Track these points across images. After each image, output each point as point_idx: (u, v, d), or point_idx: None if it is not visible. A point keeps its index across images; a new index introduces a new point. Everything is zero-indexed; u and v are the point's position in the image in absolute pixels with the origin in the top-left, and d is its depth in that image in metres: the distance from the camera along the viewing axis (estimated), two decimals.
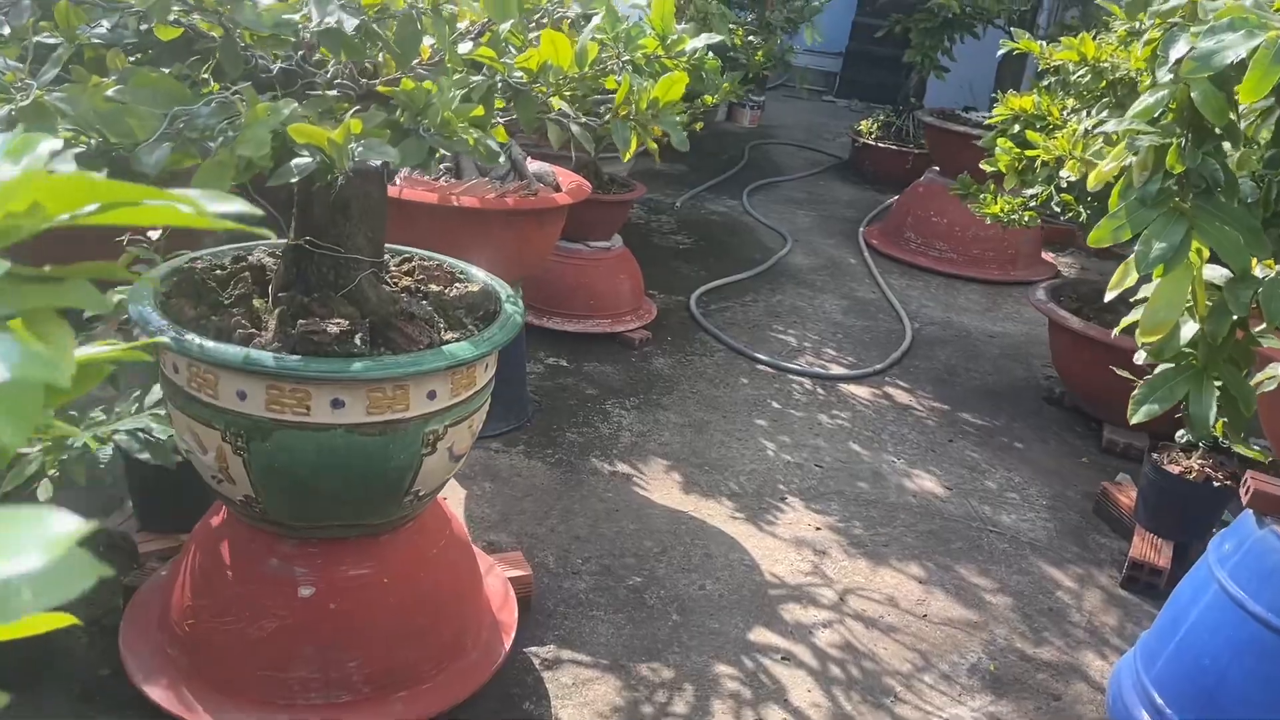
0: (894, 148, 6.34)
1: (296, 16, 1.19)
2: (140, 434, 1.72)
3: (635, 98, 1.52)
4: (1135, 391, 1.42)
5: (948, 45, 5.43)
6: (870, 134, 6.52)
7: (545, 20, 1.63)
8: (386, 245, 1.95)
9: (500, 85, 1.42)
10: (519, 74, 1.40)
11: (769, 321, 4.01)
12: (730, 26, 3.84)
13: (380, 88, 1.35)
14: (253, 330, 1.50)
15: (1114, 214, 1.37)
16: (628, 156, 1.52)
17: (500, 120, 1.63)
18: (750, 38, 4.09)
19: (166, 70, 1.44)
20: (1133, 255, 1.37)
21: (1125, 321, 1.47)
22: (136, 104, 1.14)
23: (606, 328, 3.53)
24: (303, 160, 1.15)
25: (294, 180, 1.15)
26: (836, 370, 3.60)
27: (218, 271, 1.68)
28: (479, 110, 1.32)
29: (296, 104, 1.14)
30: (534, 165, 2.87)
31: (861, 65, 8.79)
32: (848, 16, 8.59)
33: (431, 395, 1.56)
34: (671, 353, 3.58)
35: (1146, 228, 1.34)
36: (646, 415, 3.09)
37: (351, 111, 1.21)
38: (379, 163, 1.29)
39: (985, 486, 2.92)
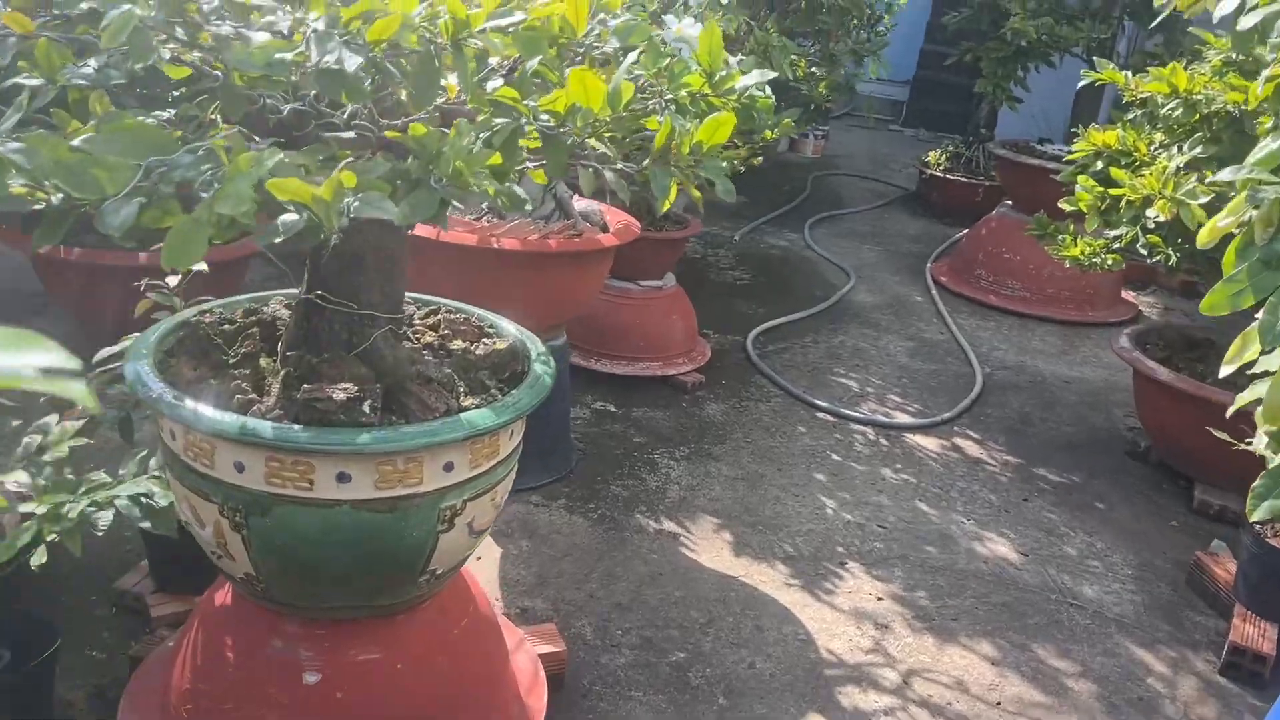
0: (963, 179, 6.10)
1: (289, 56, 1.06)
2: (142, 499, 1.60)
3: (677, 141, 1.37)
4: (1255, 484, 1.21)
5: (1021, 75, 5.19)
6: (938, 165, 6.30)
7: (583, 55, 1.49)
8: (413, 294, 1.81)
9: (525, 128, 1.28)
10: (545, 117, 1.26)
11: (830, 364, 3.81)
12: (791, 58, 3.68)
13: (389, 133, 1.21)
14: (253, 396, 1.37)
15: (1232, 277, 1.18)
16: (666, 206, 1.36)
17: (533, 164, 1.49)
18: (813, 70, 3.92)
19: (173, 112, 1.32)
20: (1255, 324, 1.18)
21: (1243, 399, 1.27)
22: (107, 154, 1.01)
23: (657, 370, 3.37)
24: (289, 218, 1.01)
25: (278, 241, 1.01)
26: (901, 419, 3.39)
27: (226, 326, 1.56)
28: (495, 159, 1.18)
29: (282, 154, 1.00)
30: (581, 203, 2.73)
31: (930, 93, 8.56)
32: (915, 44, 8.37)
33: (448, 468, 1.41)
34: (725, 398, 3.40)
35: (1272, 294, 1.14)
36: (697, 466, 2.91)
37: (345, 163, 1.07)
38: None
39: (1064, 552, 2.68)
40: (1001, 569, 2.57)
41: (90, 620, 2.00)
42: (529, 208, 2.49)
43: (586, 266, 2.53)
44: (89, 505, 1.54)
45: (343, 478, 1.35)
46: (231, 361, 1.49)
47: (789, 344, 3.97)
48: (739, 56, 3.08)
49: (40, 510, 1.50)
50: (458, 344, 1.64)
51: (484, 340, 1.66)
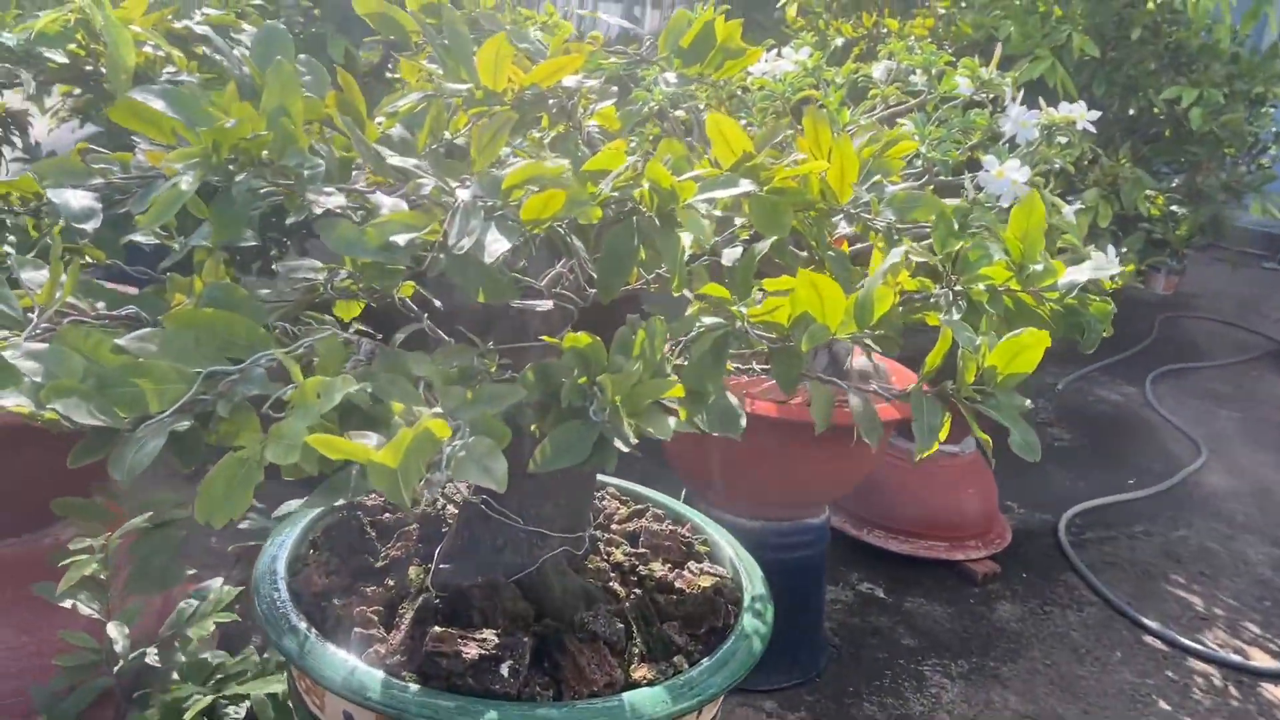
0: None
1: (404, 239, 0.78)
2: (279, 698, 1.38)
3: (961, 363, 0.97)
4: None
5: None
6: None
7: (850, 226, 1.13)
8: (621, 483, 1.50)
9: (740, 333, 0.93)
10: (763, 330, 0.90)
11: (1165, 567, 3.08)
12: (1146, 193, 3.10)
13: (545, 337, 0.91)
14: (376, 632, 1.10)
15: None
16: (927, 452, 0.96)
17: (758, 370, 1.15)
18: (1173, 208, 3.29)
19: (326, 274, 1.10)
20: None
21: None
22: (164, 356, 0.77)
23: (942, 553, 2.84)
24: (360, 477, 0.73)
25: (337, 505, 0.72)
26: (1260, 660, 2.63)
27: (386, 516, 1.31)
28: (677, 390, 0.83)
29: (355, 382, 0.71)
30: (861, 360, 2.33)
31: None
32: None
33: None
34: (1024, 597, 2.80)
35: None
36: (976, 690, 2.36)
37: (444, 411, 0.76)
38: None
39: None
40: None
41: None
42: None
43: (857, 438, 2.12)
44: (218, 701, 1.34)
45: None
46: (380, 565, 1.23)
47: (1113, 533, 3.27)
48: (1075, 204, 2.56)
49: (160, 702, 1.31)
50: (655, 567, 1.30)
51: (689, 566, 1.30)
